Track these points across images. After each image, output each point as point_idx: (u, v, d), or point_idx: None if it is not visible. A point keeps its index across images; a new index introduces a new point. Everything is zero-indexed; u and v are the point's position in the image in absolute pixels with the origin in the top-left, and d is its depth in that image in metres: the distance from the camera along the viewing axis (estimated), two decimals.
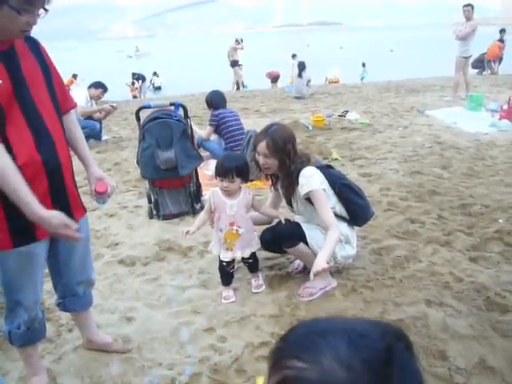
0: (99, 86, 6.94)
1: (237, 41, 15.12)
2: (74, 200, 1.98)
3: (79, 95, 6.49)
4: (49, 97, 1.84)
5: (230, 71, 15.09)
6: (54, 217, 1.69)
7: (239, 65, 14.90)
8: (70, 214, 1.92)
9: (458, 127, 6.91)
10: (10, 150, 1.68)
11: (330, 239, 2.59)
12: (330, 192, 2.76)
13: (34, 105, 1.76)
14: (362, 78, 17.46)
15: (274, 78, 16.55)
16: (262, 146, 2.66)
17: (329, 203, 2.73)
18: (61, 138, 1.88)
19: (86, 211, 2.10)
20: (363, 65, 17.83)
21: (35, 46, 1.86)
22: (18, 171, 1.64)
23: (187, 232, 2.74)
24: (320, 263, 2.43)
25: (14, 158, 1.68)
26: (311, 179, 2.65)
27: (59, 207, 1.84)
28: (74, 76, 16.36)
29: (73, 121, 2.08)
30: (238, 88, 14.98)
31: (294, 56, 16.57)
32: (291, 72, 15.20)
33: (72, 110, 2.09)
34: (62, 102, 1.96)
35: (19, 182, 1.63)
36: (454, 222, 3.68)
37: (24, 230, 1.77)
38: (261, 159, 2.70)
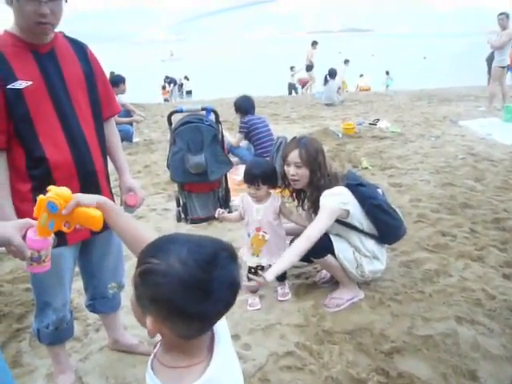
0: (119, 80, 7.01)
1: (313, 44, 14.94)
2: None
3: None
4: (88, 101, 1.87)
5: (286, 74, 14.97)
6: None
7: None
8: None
9: (492, 139, 6.73)
10: (41, 150, 1.71)
11: (291, 251, 2.56)
12: (360, 211, 2.69)
13: (71, 108, 1.79)
14: (387, 86, 17.27)
15: (305, 84, 16.54)
16: (294, 155, 2.64)
17: (356, 223, 2.68)
18: (96, 143, 1.90)
19: None
20: (387, 73, 17.65)
21: (82, 51, 1.89)
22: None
23: (222, 213, 2.88)
24: (268, 274, 2.40)
25: (45, 159, 1.72)
26: (330, 198, 2.59)
27: None
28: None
29: (112, 128, 2.11)
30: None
31: (346, 61, 16.61)
32: (342, 78, 15.38)
33: (113, 118, 2.12)
34: (105, 107, 1.99)
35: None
36: (486, 236, 3.58)
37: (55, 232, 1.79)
38: (291, 170, 2.66)
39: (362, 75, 17.51)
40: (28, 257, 1.24)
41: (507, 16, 8.56)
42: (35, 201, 1.76)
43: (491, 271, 3.06)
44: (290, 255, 2.56)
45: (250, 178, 2.71)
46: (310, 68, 14.98)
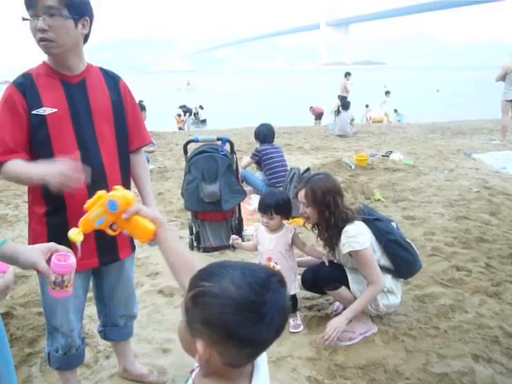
0: (141, 108, 7.16)
1: (346, 75, 14.82)
2: (123, 239, 1.98)
3: None
4: (114, 132, 1.91)
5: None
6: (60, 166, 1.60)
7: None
8: (115, 252, 1.98)
9: (507, 172, 6.69)
10: None
11: (366, 294, 2.61)
12: (376, 245, 2.70)
13: (93, 137, 1.83)
14: (399, 121, 17.31)
15: (318, 115, 16.70)
16: (301, 194, 2.70)
17: (374, 258, 2.67)
18: (115, 174, 1.92)
19: (134, 250, 2.13)
20: (395, 111, 17.48)
21: (113, 82, 1.95)
22: (26, 163, 1.71)
23: (237, 239, 2.90)
24: (333, 326, 2.51)
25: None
26: (353, 239, 2.58)
27: (103, 244, 1.89)
28: None
29: (140, 159, 2.13)
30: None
31: (387, 93, 16.76)
32: (383, 108, 15.98)
33: (143, 148, 2.15)
34: (134, 139, 2.03)
35: (27, 168, 1.70)
36: (503, 271, 3.52)
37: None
38: (301, 208, 2.73)
39: (367, 105, 17.54)
40: (52, 281, 1.26)
41: None
42: (49, 225, 1.80)
43: (508, 308, 3.00)
44: (363, 299, 2.62)
45: (264, 208, 2.75)
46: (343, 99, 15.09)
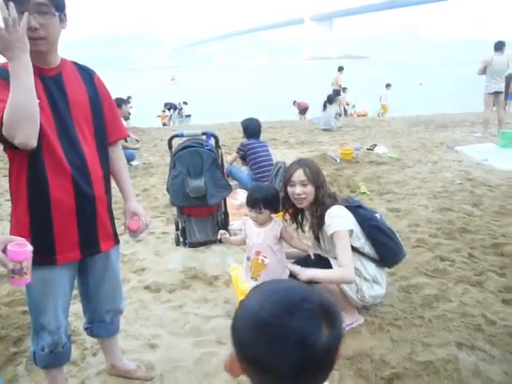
0: (121, 102, 7.11)
1: (340, 70, 15.18)
2: (105, 231, 1.99)
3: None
4: (92, 126, 1.89)
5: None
6: None
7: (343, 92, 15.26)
8: (96, 244, 1.96)
9: (489, 164, 6.80)
10: (43, 170, 1.73)
11: (333, 270, 2.62)
12: (359, 232, 2.73)
13: (73, 132, 1.81)
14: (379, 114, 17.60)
15: (303, 110, 16.75)
16: (299, 174, 2.68)
17: (357, 243, 2.70)
18: (97, 168, 1.91)
19: (118, 242, 2.12)
20: (380, 100, 17.86)
21: (89, 77, 1.93)
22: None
23: (224, 233, 2.88)
24: (305, 272, 2.50)
25: (46, 181, 1.74)
26: (336, 220, 2.63)
27: (85, 235, 1.89)
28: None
29: (118, 152, 2.14)
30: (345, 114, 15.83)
31: (388, 86, 16.95)
32: (384, 102, 16.60)
33: (120, 142, 2.14)
34: (111, 132, 2.02)
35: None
36: (485, 261, 3.58)
37: (45, 250, 1.79)
38: (297, 189, 2.68)
39: (354, 106, 17.85)
40: (10, 269, 1.26)
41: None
42: (32, 217, 1.77)
43: (491, 296, 3.05)
44: (333, 273, 2.63)
45: (252, 202, 2.74)
46: (337, 93, 15.19)
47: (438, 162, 7.03)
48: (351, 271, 2.60)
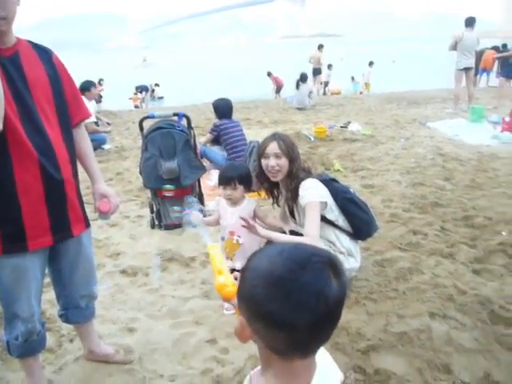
0: (89, 86, 6.86)
1: (319, 48, 15.12)
2: (75, 215, 1.96)
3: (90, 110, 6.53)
4: (55, 107, 1.83)
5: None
6: None
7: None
8: (67, 228, 1.92)
9: (460, 139, 6.92)
10: (7, 154, 1.67)
11: (295, 236, 2.63)
12: (333, 205, 2.75)
13: (35, 114, 1.74)
14: (354, 88, 17.83)
15: (278, 88, 16.66)
16: (273, 146, 2.66)
17: (331, 216, 2.72)
18: (63, 150, 1.85)
19: (89, 226, 2.08)
20: (352, 78, 18.05)
21: (46, 56, 1.85)
22: None
23: (197, 215, 2.81)
24: (257, 229, 2.54)
25: (10, 165, 1.68)
26: (310, 191, 2.64)
27: (56, 220, 1.85)
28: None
29: (82, 134, 2.07)
30: (324, 93, 16.20)
31: (371, 63, 17.06)
32: (367, 79, 17.10)
33: (83, 123, 2.08)
34: (74, 113, 1.95)
35: None
36: (456, 233, 3.66)
37: (15, 237, 1.76)
38: (271, 161, 2.66)
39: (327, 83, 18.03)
40: None
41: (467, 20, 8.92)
42: None
43: (462, 267, 3.14)
44: (293, 238, 2.63)
45: (226, 179, 2.72)
46: (318, 71, 15.29)
47: (411, 138, 7.12)
48: (317, 243, 2.60)
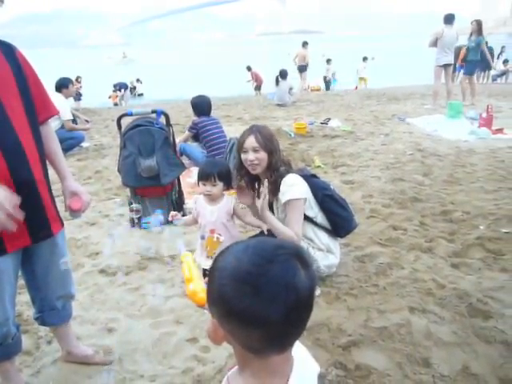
0: (65, 83, 6.67)
1: (304, 45, 15.23)
2: (51, 214, 1.92)
3: (65, 108, 6.39)
4: (22, 104, 1.77)
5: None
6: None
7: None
8: (48, 228, 1.88)
9: (438, 135, 7.01)
10: None
11: (290, 233, 2.61)
12: (313, 201, 2.76)
13: (3, 113, 1.68)
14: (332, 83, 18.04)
15: (258, 85, 16.61)
16: (251, 140, 2.65)
17: (310, 212, 2.72)
18: (33, 149, 1.80)
19: (63, 225, 2.04)
20: (333, 75, 18.25)
21: (10, 52, 1.79)
22: None
23: (176, 215, 2.82)
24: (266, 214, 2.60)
25: None
26: (292, 188, 2.64)
27: (34, 221, 1.80)
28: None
29: (50, 131, 2.02)
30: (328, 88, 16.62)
31: (328, 61, 17.21)
32: (363, 74, 17.38)
33: (50, 120, 2.03)
34: (40, 110, 1.90)
35: None
36: (435, 228, 3.71)
37: None
38: (250, 155, 2.65)
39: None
40: None
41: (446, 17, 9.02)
42: None
43: (441, 261, 3.17)
44: (283, 228, 2.62)
45: (206, 175, 2.67)
46: (303, 68, 15.33)
47: (390, 134, 7.18)
48: (300, 237, 2.65)
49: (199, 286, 1.18)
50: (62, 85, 6.48)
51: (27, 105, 1.80)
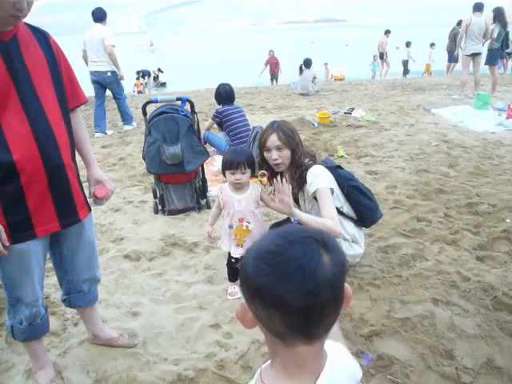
0: (103, 14, 7.29)
1: (386, 33, 15.85)
2: (79, 199, 1.95)
3: (108, 33, 7.02)
4: (54, 91, 1.80)
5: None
6: None
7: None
8: (75, 213, 1.92)
9: (464, 126, 6.86)
10: (4, 143, 1.63)
11: (323, 219, 2.54)
12: (339, 192, 2.75)
13: (36, 98, 1.71)
14: (374, 71, 17.66)
15: (274, 75, 16.33)
16: (273, 139, 2.64)
17: (337, 203, 2.71)
18: (63, 135, 1.83)
19: (90, 210, 2.08)
20: (374, 58, 17.78)
21: (44, 39, 1.82)
22: None
23: (208, 233, 2.78)
24: (292, 209, 2.53)
25: (9, 153, 1.64)
26: (319, 178, 2.63)
27: (63, 207, 1.84)
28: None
29: (79, 118, 2.06)
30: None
31: (408, 44, 17.17)
32: (429, 60, 16.91)
33: (79, 109, 2.06)
34: (70, 97, 1.93)
35: None
36: (460, 220, 3.65)
37: (23, 226, 1.75)
38: (273, 154, 2.65)
39: (326, 64, 18.04)
40: None
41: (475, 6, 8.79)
42: (3, 195, 1.69)
43: (465, 254, 3.13)
44: (323, 221, 2.53)
45: (235, 164, 2.63)
46: (382, 56, 16.25)
47: (415, 125, 7.07)
48: (339, 224, 2.59)
49: None
50: (99, 18, 7.08)
51: (59, 91, 1.83)
